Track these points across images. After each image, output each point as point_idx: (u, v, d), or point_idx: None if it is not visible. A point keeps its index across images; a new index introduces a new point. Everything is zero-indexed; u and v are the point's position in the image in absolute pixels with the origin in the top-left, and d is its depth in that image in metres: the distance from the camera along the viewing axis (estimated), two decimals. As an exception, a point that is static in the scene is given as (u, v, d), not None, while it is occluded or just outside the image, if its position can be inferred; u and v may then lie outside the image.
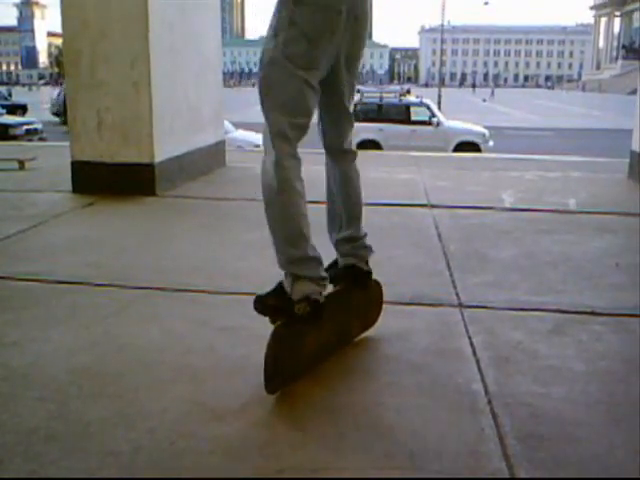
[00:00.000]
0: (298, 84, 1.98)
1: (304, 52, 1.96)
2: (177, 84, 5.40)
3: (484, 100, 52.38)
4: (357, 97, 13.82)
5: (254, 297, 2.06)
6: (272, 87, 2.00)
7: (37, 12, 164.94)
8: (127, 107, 5.07)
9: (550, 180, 6.15)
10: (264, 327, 2.03)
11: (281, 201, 2.00)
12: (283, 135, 1.98)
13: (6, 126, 15.41)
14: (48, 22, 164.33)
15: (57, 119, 24.42)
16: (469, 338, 2.45)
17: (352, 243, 2.33)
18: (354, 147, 2.34)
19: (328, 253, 2.30)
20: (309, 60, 1.98)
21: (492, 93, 64.70)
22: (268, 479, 1.62)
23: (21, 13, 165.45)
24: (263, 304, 2.05)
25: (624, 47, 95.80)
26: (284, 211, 2.00)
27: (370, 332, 2.45)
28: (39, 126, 16.65)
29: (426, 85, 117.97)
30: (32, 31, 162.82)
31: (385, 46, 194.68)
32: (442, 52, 58.01)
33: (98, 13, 4.98)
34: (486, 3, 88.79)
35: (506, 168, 6.91)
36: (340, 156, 2.29)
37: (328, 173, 2.33)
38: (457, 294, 2.93)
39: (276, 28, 1.97)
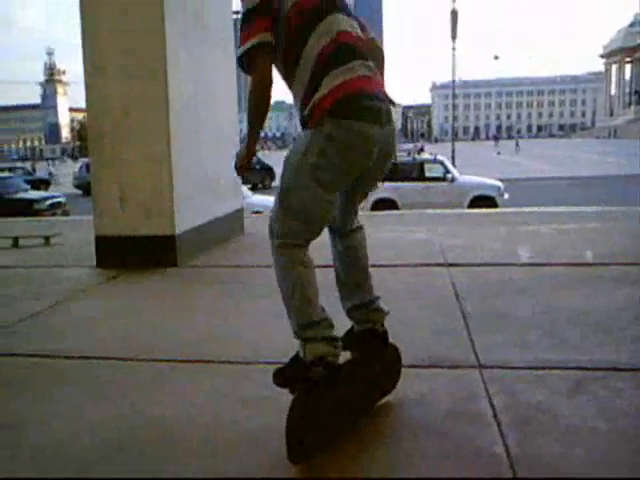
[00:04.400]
0: (320, 203, 2.11)
1: (331, 181, 2.08)
2: (196, 157, 5.58)
3: (498, 153, 52.34)
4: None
5: (273, 371, 2.13)
6: (292, 196, 2.11)
7: (60, 89, 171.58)
8: (149, 182, 5.25)
9: (566, 232, 6.18)
10: (285, 397, 2.07)
11: (288, 277, 2.12)
12: (294, 234, 2.12)
13: (31, 201, 15.84)
14: (70, 97, 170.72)
15: (79, 192, 25.07)
16: (489, 399, 2.45)
17: (363, 309, 2.37)
18: (360, 223, 2.42)
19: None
20: (335, 187, 2.12)
21: (517, 145, 60.29)
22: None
23: (45, 91, 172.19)
24: (281, 377, 2.11)
25: (637, 92, 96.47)
26: (291, 285, 2.11)
27: (389, 396, 2.47)
28: (62, 199, 17.06)
29: (435, 141, 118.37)
30: (55, 107, 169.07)
31: (398, 105, 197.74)
32: (454, 107, 58.87)
33: (121, 94, 5.22)
34: (496, 57, 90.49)
35: (521, 222, 6.95)
36: (347, 235, 2.38)
37: (333, 247, 2.41)
38: (476, 354, 2.94)
39: (307, 147, 2.06)
